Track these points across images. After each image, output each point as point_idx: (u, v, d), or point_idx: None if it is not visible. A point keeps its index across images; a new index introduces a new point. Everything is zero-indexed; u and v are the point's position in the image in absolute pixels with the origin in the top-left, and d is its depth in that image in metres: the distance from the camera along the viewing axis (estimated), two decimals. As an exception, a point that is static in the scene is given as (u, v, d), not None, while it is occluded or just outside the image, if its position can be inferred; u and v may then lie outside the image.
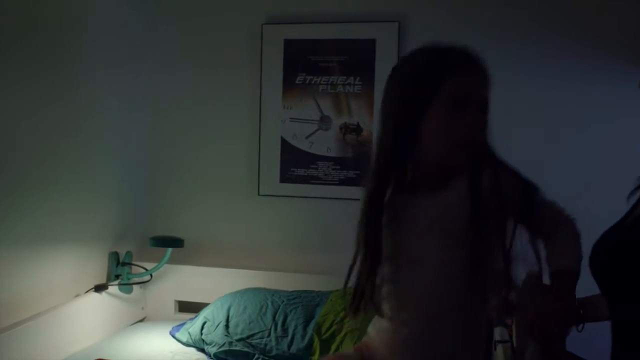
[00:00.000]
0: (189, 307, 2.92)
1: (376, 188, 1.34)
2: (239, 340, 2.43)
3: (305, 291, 2.65)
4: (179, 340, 2.55)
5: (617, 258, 1.19)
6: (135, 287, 2.80)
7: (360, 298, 1.34)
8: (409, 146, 1.30)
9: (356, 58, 2.82)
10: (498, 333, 2.03)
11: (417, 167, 1.34)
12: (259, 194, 2.93)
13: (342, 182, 2.85)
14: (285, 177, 2.89)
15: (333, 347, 2.32)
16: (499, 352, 1.85)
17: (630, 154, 2.58)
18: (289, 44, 2.89)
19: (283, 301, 2.54)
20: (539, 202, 1.31)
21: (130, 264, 2.80)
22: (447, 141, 1.28)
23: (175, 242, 2.76)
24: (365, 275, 1.34)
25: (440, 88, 1.27)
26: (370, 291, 1.34)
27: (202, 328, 2.51)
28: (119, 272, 2.76)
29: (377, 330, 1.42)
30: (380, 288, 1.38)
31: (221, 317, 2.52)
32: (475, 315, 1.32)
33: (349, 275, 1.37)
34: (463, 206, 1.27)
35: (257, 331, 2.45)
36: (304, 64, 2.87)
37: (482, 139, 1.30)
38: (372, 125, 2.80)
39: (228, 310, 2.55)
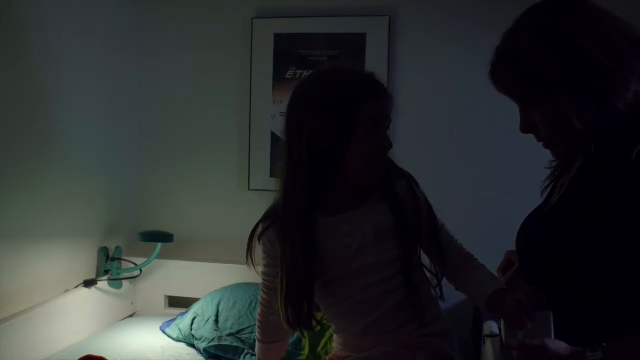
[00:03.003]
0: (179, 302, 2.92)
1: (304, 216, 1.38)
2: (228, 335, 2.43)
3: (296, 286, 2.64)
4: (169, 336, 2.55)
5: (545, 254, 1.27)
6: (125, 282, 2.79)
7: (309, 314, 1.40)
8: (331, 173, 1.38)
9: (347, 52, 2.81)
10: (487, 327, 2.04)
11: (338, 189, 1.41)
12: (249, 189, 2.93)
13: (333, 177, 2.84)
14: (275, 172, 2.88)
15: (322, 342, 2.32)
16: (488, 346, 1.86)
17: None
18: (279, 39, 2.87)
19: (273, 296, 2.54)
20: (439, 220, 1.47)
21: (119, 259, 2.79)
22: (370, 162, 1.38)
23: (164, 237, 2.75)
24: (301, 294, 1.39)
25: (361, 112, 1.35)
26: (310, 308, 1.40)
27: (192, 323, 2.51)
28: (109, 267, 2.74)
29: (341, 343, 1.51)
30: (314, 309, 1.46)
31: (211, 312, 2.52)
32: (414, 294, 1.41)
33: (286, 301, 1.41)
34: (387, 214, 1.40)
35: (246, 326, 2.45)
36: (294, 58, 2.86)
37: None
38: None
39: (218, 306, 2.55)
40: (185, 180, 3.02)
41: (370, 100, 1.37)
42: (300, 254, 1.37)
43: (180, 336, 2.51)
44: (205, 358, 2.41)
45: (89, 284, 2.59)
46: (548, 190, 1.42)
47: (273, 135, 2.89)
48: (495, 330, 1.96)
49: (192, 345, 2.48)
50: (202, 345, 2.42)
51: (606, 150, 1.22)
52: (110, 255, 2.78)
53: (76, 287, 2.55)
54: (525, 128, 1.31)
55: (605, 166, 1.20)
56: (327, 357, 1.58)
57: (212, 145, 2.99)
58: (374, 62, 2.77)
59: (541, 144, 1.32)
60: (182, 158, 3.02)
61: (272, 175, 2.89)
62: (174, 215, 3.00)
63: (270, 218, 1.46)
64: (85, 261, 2.67)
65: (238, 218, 2.95)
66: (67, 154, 2.51)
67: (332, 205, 1.41)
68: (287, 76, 2.87)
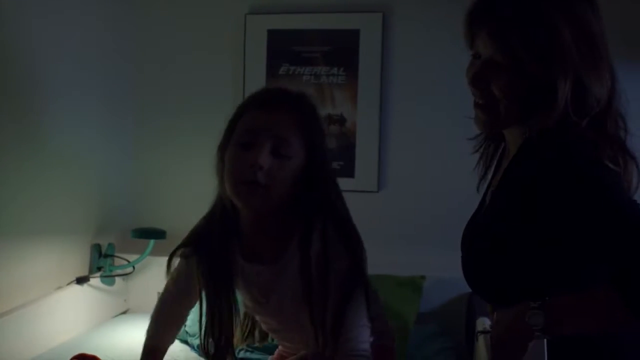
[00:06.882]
0: (172, 299, 2.91)
1: (218, 248, 1.41)
2: (222, 332, 2.42)
3: (289, 283, 2.64)
4: (161, 333, 2.54)
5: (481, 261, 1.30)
6: (117, 279, 2.78)
7: (226, 347, 1.42)
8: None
9: (340, 49, 2.81)
10: (480, 324, 2.05)
11: (253, 234, 1.38)
12: (242, 186, 2.92)
13: (326, 174, 2.84)
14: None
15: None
16: (481, 342, 1.87)
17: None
18: (272, 35, 2.87)
19: (266, 293, 2.54)
20: (365, 284, 1.35)
21: (112, 255, 2.78)
22: (232, 181, 1.32)
23: (157, 234, 2.74)
24: (220, 330, 1.42)
25: (239, 122, 1.34)
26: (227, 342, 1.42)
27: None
28: (101, 264, 2.73)
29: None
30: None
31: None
32: None
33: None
34: (297, 275, 1.31)
35: (240, 323, 2.44)
36: (287, 54, 2.85)
37: (280, 182, 1.30)
38: (355, 116, 2.80)
39: (211, 302, 2.54)
40: (179, 177, 3.01)
41: (250, 110, 1.35)
42: (223, 301, 1.40)
43: (173, 333, 2.50)
44: (199, 354, 2.40)
45: (81, 280, 2.58)
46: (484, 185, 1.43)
47: (266, 131, 2.88)
48: (488, 327, 1.96)
49: (186, 342, 2.47)
50: (196, 341, 2.41)
51: (538, 141, 1.20)
52: (103, 252, 2.77)
53: (68, 284, 2.54)
54: (478, 81, 1.29)
55: (533, 152, 1.20)
56: (275, 354, 1.62)
57: (206, 141, 2.94)
58: (368, 59, 2.78)
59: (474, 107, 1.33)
60: (175, 155, 3.01)
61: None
62: (167, 212, 2.99)
63: (193, 244, 1.50)
64: (77, 258, 2.66)
65: (231, 215, 2.96)
66: (58, 150, 2.49)
67: (251, 252, 1.39)
68: (280, 72, 2.86)
